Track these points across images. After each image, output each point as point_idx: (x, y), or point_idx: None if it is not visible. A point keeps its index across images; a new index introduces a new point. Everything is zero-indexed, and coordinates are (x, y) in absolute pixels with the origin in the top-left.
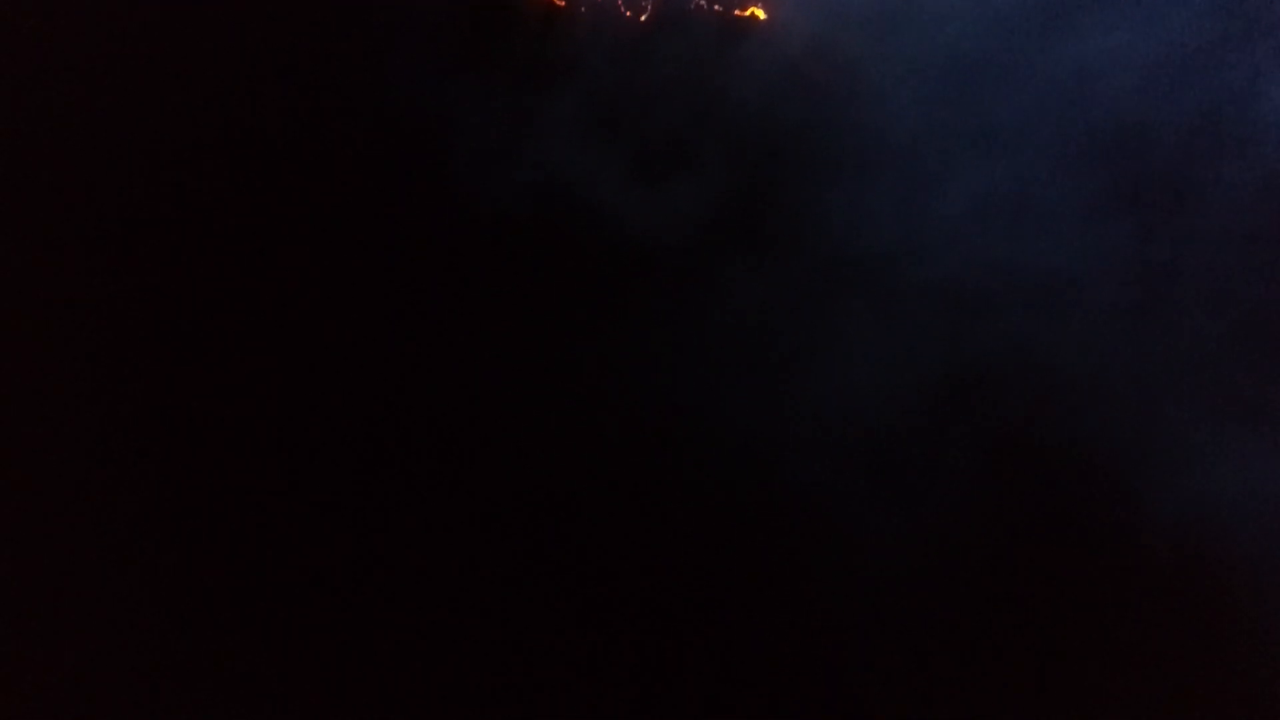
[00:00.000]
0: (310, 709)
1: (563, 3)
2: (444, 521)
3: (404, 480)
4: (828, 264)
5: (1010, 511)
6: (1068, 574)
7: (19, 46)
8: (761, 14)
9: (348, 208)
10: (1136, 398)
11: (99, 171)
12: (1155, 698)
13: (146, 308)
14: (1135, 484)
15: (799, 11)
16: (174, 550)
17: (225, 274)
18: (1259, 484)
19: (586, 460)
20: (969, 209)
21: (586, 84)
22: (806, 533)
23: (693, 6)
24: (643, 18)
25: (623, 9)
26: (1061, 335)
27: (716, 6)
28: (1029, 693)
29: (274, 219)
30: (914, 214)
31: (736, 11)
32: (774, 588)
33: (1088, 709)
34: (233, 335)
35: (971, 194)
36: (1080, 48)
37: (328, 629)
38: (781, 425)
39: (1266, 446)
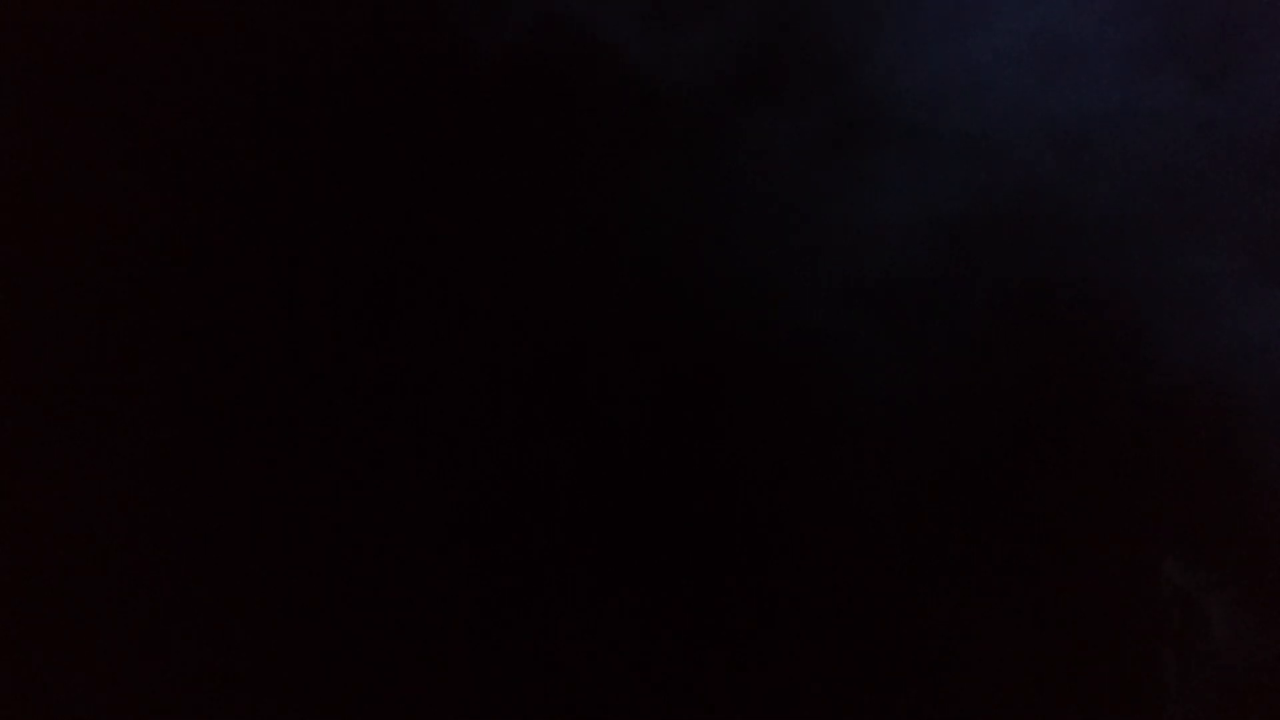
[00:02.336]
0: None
1: None
2: (453, 370)
3: (407, 336)
4: (852, 106)
5: (1026, 356)
6: (1081, 420)
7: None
8: None
9: (332, 54)
10: (1165, 249)
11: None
12: (1168, 539)
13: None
14: (1157, 334)
15: None
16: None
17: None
18: None
19: (593, 308)
20: (1006, 52)
21: None
22: (816, 375)
23: None
24: None
25: None
26: (1092, 185)
27: None
28: (1038, 534)
29: (256, 68)
30: (946, 56)
31: None
32: (780, 428)
33: (1098, 549)
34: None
35: (1009, 37)
36: None
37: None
38: (795, 271)
39: None
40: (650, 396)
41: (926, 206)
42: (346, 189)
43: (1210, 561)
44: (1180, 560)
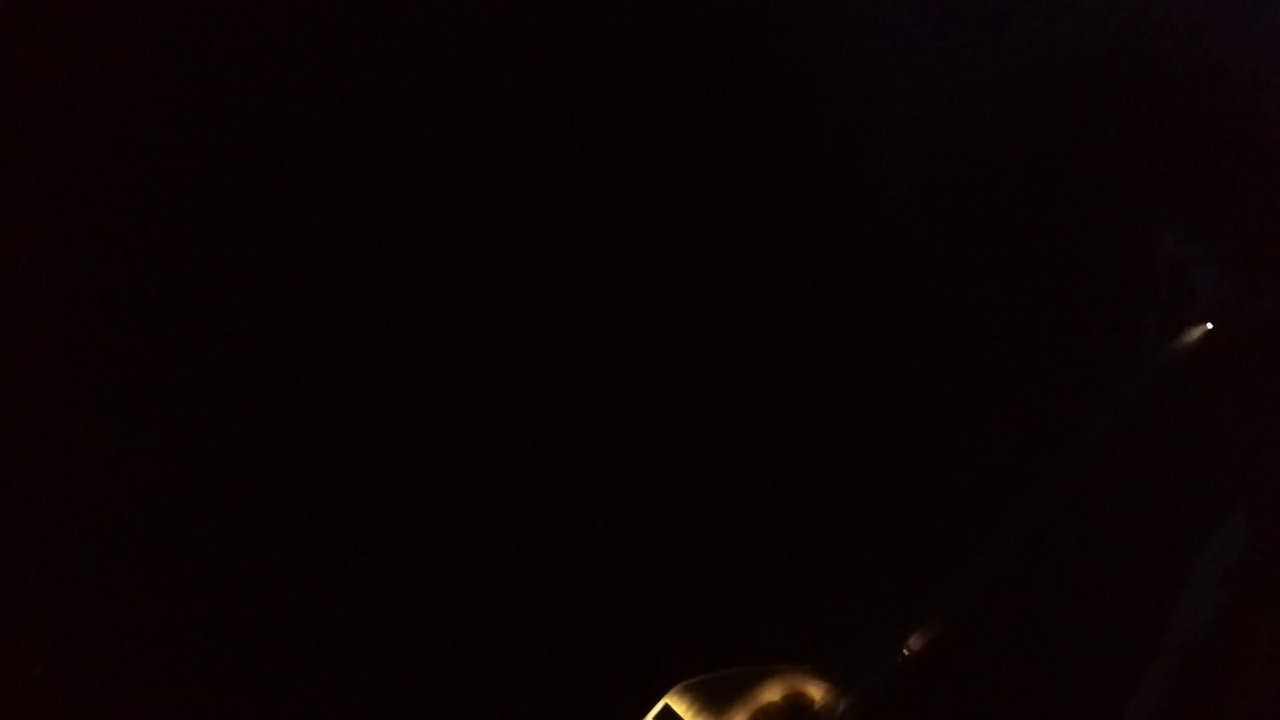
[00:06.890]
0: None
1: None
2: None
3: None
4: None
5: (1062, 27)
6: (1101, 96)
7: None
8: None
9: None
10: None
11: None
12: (1168, 215)
13: None
14: (1195, 13)
15: None
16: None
17: None
18: None
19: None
20: None
21: None
22: (840, 41)
23: None
24: None
25: None
26: None
27: None
28: (1044, 207)
29: None
30: None
31: None
32: (797, 106)
33: (1099, 223)
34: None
35: None
36: None
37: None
38: None
39: None
40: (652, 61)
41: None
42: None
43: (1204, 235)
44: (1175, 234)
